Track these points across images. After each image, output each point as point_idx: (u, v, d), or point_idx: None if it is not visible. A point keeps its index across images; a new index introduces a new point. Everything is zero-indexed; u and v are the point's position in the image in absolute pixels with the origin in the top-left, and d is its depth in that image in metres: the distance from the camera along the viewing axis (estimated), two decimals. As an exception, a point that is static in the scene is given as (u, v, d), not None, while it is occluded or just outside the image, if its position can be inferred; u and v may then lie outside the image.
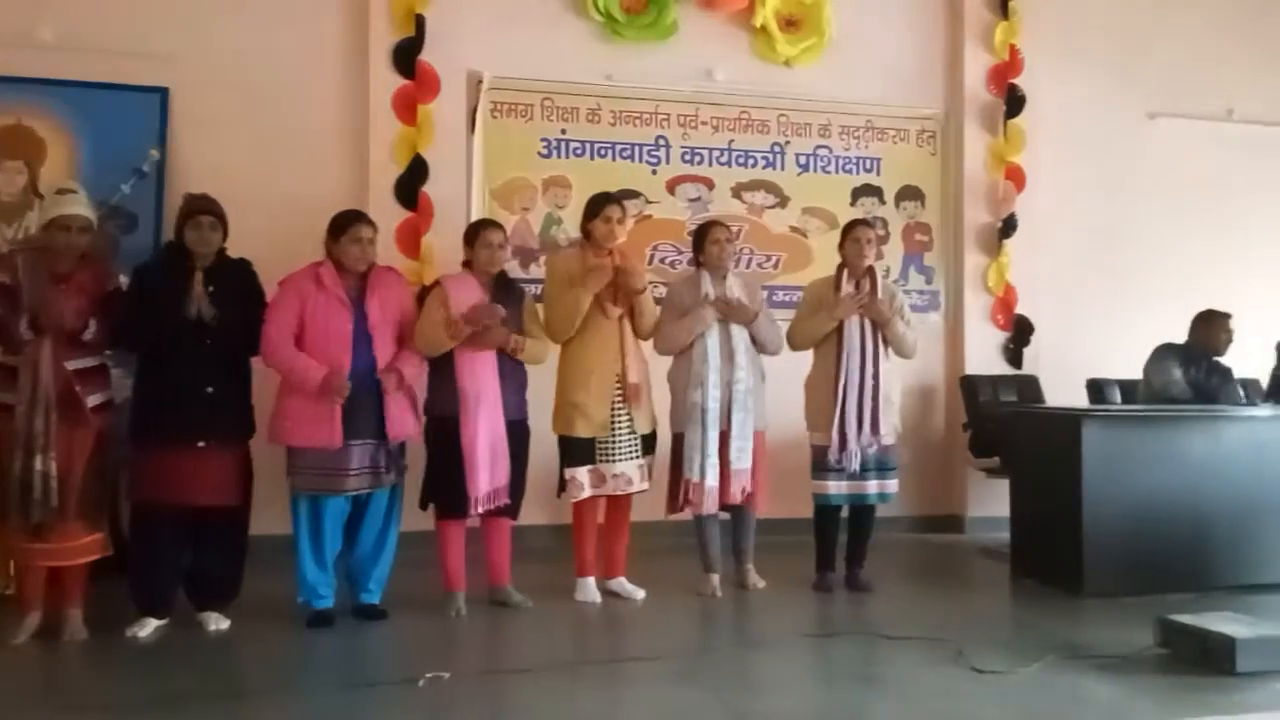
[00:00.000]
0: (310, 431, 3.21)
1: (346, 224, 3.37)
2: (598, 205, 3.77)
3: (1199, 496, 3.97)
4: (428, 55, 4.77)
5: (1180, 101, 5.98)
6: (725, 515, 3.90)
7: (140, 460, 3.18)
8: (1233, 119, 6.05)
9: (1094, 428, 3.91)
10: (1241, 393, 4.59)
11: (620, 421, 3.68)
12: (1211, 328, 4.61)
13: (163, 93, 4.54)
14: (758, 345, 3.90)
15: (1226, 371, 4.67)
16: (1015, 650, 3.03)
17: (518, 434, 3.56)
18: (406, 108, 4.75)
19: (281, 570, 3.47)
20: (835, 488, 3.86)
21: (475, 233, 3.65)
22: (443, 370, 3.49)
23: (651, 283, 4.66)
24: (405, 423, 3.38)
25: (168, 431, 3.11)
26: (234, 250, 3.40)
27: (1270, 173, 6.12)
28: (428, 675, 2.71)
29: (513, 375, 3.56)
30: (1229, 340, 4.64)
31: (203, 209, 3.25)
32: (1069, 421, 3.96)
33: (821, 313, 3.92)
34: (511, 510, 3.57)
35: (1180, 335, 4.77)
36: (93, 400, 3.11)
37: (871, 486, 3.90)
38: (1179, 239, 5.91)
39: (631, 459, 3.69)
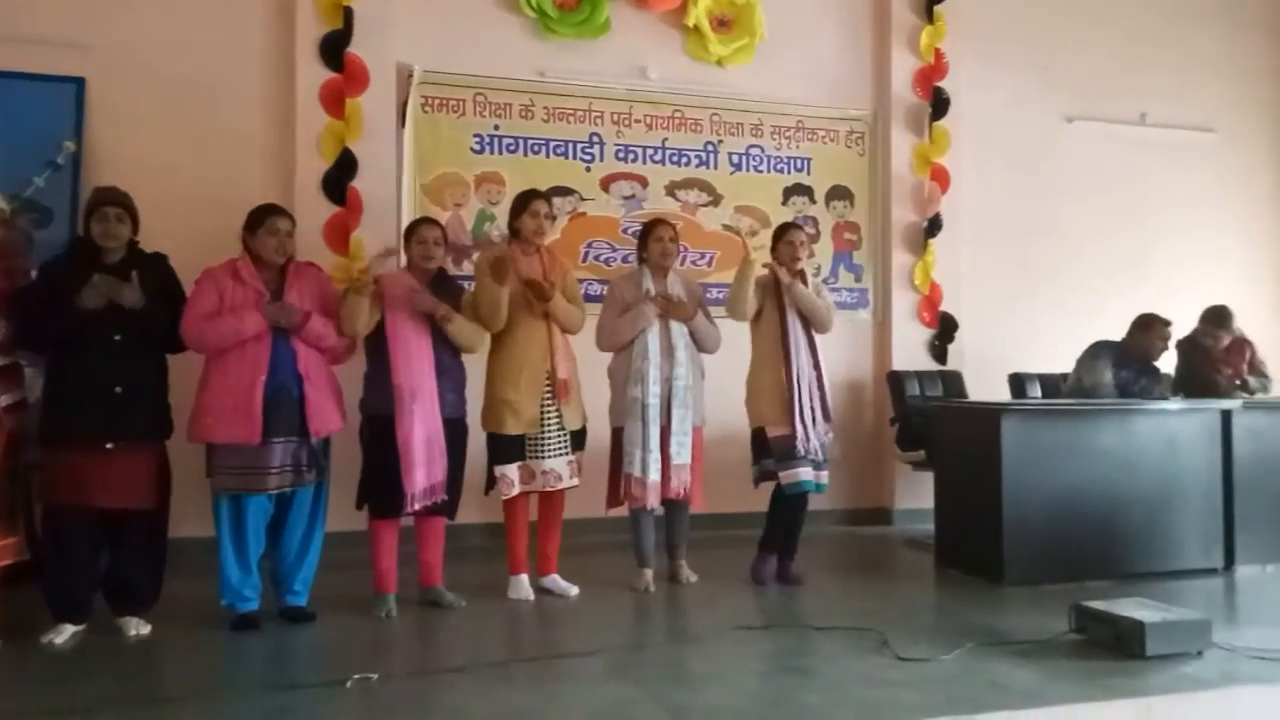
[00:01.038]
0: (230, 427, 3.13)
1: (263, 216, 3.31)
2: (525, 201, 3.76)
3: (1113, 487, 4.12)
4: (356, 48, 4.69)
5: (1096, 106, 6.19)
6: (660, 511, 3.93)
7: (50, 462, 3.08)
8: (1145, 123, 6.29)
9: (1013, 421, 4.03)
10: (1163, 393, 4.75)
11: (550, 418, 3.67)
12: (1149, 334, 4.74)
13: (79, 83, 4.38)
14: (697, 343, 3.93)
15: (1155, 372, 4.82)
16: (938, 638, 3.11)
17: (455, 432, 3.53)
18: (334, 101, 4.66)
19: (204, 573, 3.38)
20: (805, 474, 3.87)
21: (412, 230, 3.62)
22: (379, 367, 3.45)
23: (584, 280, 4.68)
24: (328, 419, 3.31)
25: (75, 433, 3.01)
26: (156, 245, 3.32)
27: (1181, 174, 6.38)
28: (355, 677, 2.67)
29: (450, 372, 3.53)
30: (1164, 348, 4.79)
31: (108, 200, 3.15)
32: (989, 415, 4.08)
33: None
34: (448, 509, 3.54)
35: (1097, 331, 4.94)
36: (3, 401, 3.01)
37: (818, 475, 3.95)
38: (1096, 237, 6.13)
39: (561, 455, 3.69)
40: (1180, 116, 6.37)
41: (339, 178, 4.63)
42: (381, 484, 3.40)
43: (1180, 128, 6.36)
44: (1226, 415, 4.36)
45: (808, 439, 3.85)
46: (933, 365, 5.64)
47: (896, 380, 5.42)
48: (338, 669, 2.76)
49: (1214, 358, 4.97)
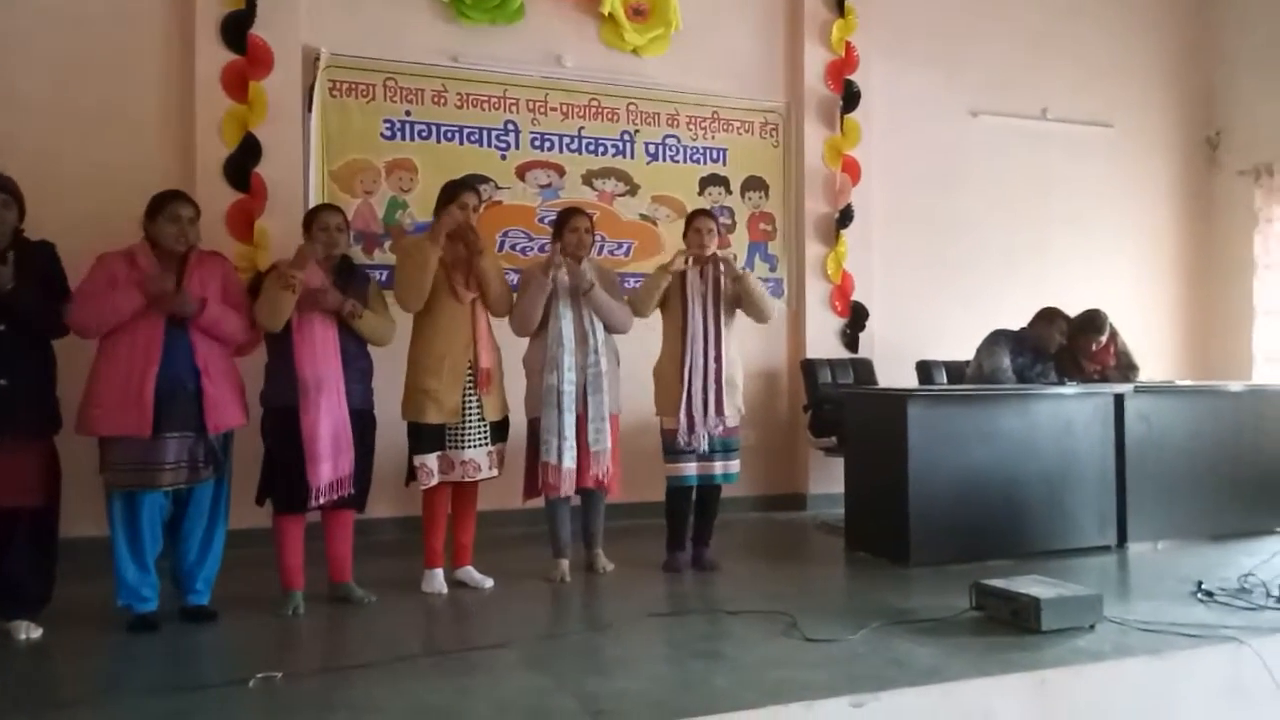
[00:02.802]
0: (119, 420, 3.01)
1: (163, 203, 3.20)
2: (453, 192, 3.71)
3: (1014, 470, 4.27)
4: (260, 29, 4.55)
5: (1000, 100, 6.39)
6: (576, 500, 3.93)
7: (-69, 460, 2.91)
8: (1047, 117, 6.52)
9: (918, 407, 4.14)
10: (1057, 379, 4.92)
11: (471, 408, 3.64)
12: (1049, 327, 4.90)
13: (-41, 60, 4.16)
14: (606, 324, 3.91)
15: (1049, 360, 4.98)
16: (845, 618, 3.18)
17: (363, 423, 3.46)
18: (237, 84, 4.51)
19: (101, 574, 3.24)
20: (688, 469, 3.96)
21: (312, 216, 3.53)
22: (281, 358, 3.36)
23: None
24: (227, 413, 3.20)
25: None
26: (46, 233, 3.18)
27: (1080, 166, 6.63)
28: (259, 676, 2.60)
29: (356, 362, 3.46)
30: (1061, 342, 4.95)
31: None
32: (896, 401, 4.18)
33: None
34: (356, 502, 3.47)
35: (1001, 319, 5.10)
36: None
37: (717, 467, 4.02)
38: (1000, 228, 6.34)
39: (481, 446, 3.66)
40: (1079, 111, 6.61)
41: (242, 163, 4.49)
42: (285, 478, 3.32)
43: (1079, 122, 6.61)
44: (1119, 399, 4.56)
45: (690, 430, 3.88)
46: (844, 353, 5.76)
47: (809, 368, 5.52)
48: (240, 668, 2.68)
49: (1084, 355, 5.15)
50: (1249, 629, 3.03)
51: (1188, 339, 6.98)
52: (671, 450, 3.95)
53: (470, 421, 3.64)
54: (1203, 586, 3.56)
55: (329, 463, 3.30)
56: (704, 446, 3.93)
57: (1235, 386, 5.11)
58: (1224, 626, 3.06)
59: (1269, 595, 3.45)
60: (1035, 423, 4.36)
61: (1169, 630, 3.03)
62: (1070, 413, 4.44)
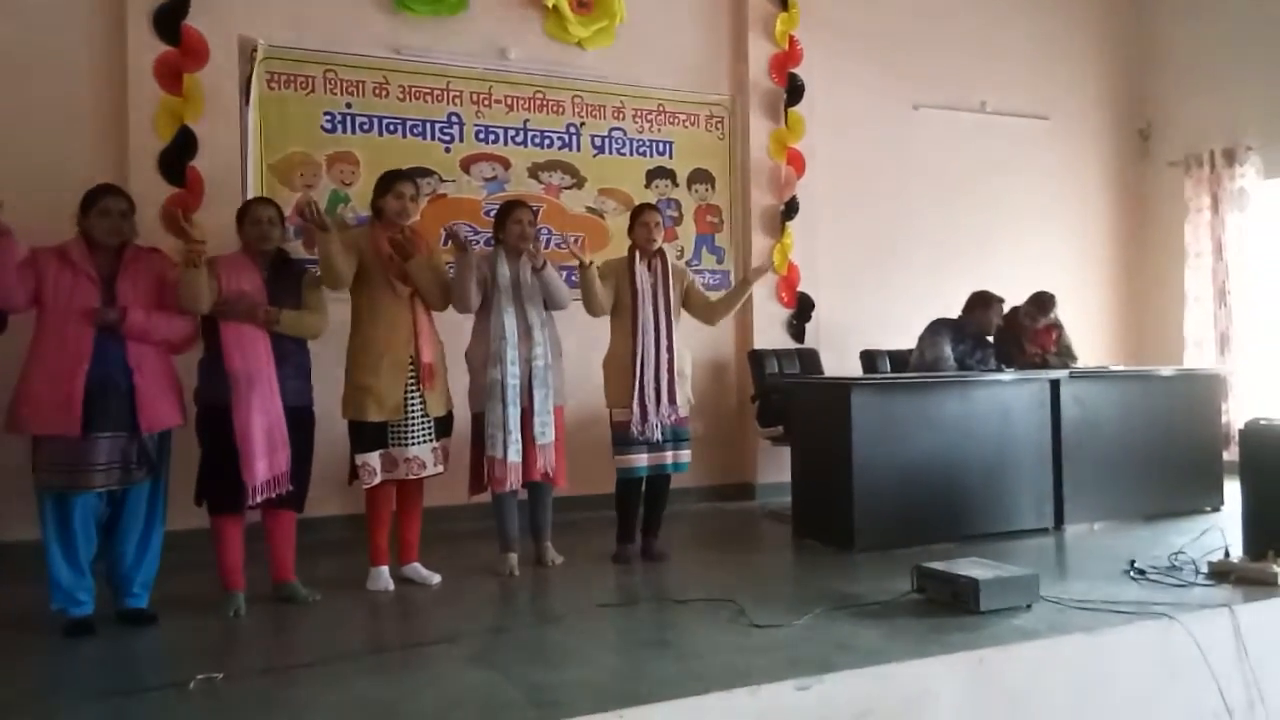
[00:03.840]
0: (48, 419, 2.94)
1: (95, 197, 3.14)
2: (389, 182, 3.68)
3: (955, 455, 4.36)
4: (194, 20, 4.45)
5: (941, 94, 6.50)
6: (524, 494, 3.92)
7: None
8: (986, 110, 6.64)
9: (862, 395, 4.20)
10: (996, 365, 5.05)
11: (414, 404, 3.61)
12: (986, 310, 5.03)
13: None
14: (549, 301, 3.89)
15: (989, 346, 5.14)
16: (791, 604, 3.22)
17: (300, 421, 3.41)
18: (171, 76, 4.41)
19: (35, 577, 3.16)
20: (639, 459, 3.97)
21: (244, 211, 3.47)
22: (212, 354, 3.30)
23: (446, 264, 4.59)
24: (161, 413, 3.14)
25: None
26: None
27: (1018, 159, 6.77)
28: (199, 677, 2.56)
29: (293, 358, 3.40)
30: (999, 323, 5.10)
31: None
32: (840, 390, 4.24)
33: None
34: (295, 502, 3.42)
35: (943, 308, 5.20)
36: None
37: (668, 456, 4.03)
38: (942, 219, 6.45)
39: (425, 442, 3.63)
40: (1017, 104, 6.75)
41: (177, 157, 4.39)
42: (220, 477, 3.26)
43: (1017, 115, 6.75)
44: (1055, 385, 4.67)
45: (644, 421, 3.90)
46: (791, 344, 5.82)
47: (757, 359, 5.56)
48: (180, 671, 2.63)
49: (1026, 337, 5.32)
50: (1178, 605, 3.13)
51: (1122, 325, 7.18)
52: (622, 441, 3.96)
53: (413, 418, 3.60)
54: (1135, 565, 3.67)
55: (263, 460, 3.24)
56: (657, 436, 3.95)
57: (1166, 371, 5.26)
58: (1155, 603, 3.15)
59: (1198, 572, 3.57)
60: (975, 409, 4.45)
61: (1102, 608, 3.12)
62: (1009, 399, 4.54)
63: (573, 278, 5.01)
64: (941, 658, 2.69)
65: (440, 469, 3.70)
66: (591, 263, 3.97)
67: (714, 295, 4.43)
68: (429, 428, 3.64)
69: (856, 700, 2.53)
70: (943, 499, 4.31)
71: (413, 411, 3.60)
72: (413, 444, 3.60)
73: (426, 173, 5.00)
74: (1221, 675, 2.99)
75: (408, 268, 3.59)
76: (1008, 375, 4.66)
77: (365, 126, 4.91)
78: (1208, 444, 5.14)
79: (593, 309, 4.02)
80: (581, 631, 3.05)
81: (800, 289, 5.90)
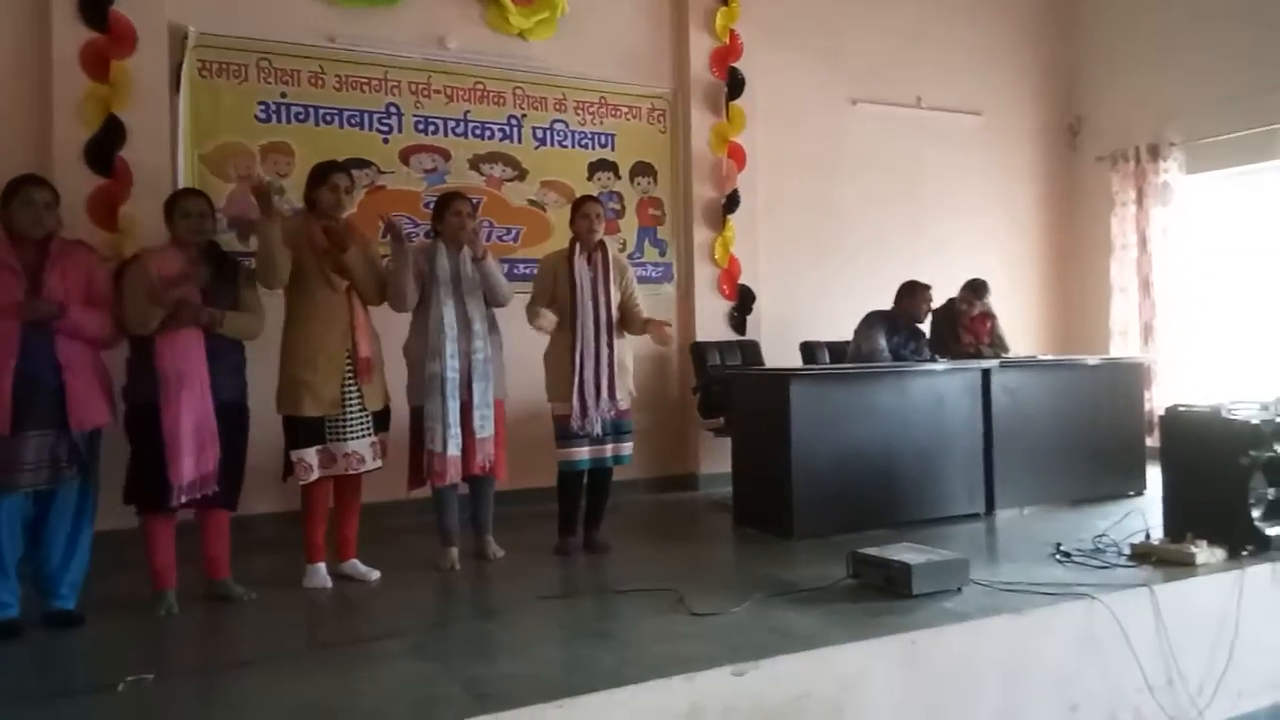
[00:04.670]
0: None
1: (17, 187, 3.04)
2: (323, 173, 3.62)
3: (890, 443, 4.44)
4: (122, 6, 4.31)
5: (877, 89, 6.59)
6: (464, 488, 3.90)
7: None
8: (921, 105, 6.76)
9: (801, 386, 4.26)
10: (930, 355, 5.16)
11: (351, 398, 3.56)
12: (914, 299, 5.16)
13: None
14: (491, 296, 3.88)
15: (921, 336, 5.25)
16: (730, 592, 3.26)
17: (233, 417, 3.34)
18: (97, 63, 4.27)
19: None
20: (580, 453, 3.98)
21: (173, 203, 3.38)
22: (142, 352, 3.21)
23: (384, 257, 4.54)
24: (91, 410, 3.06)
25: None
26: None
27: (952, 153, 6.91)
28: (129, 679, 2.50)
29: (226, 355, 3.33)
30: (929, 309, 5.23)
31: None
32: (779, 381, 4.29)
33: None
34: (227, 500, 3.36)
35: (879, 299, 5.29)
36: None
37: (609, 450, 4.04)
38: (878, 212, 6.56)
39: (363, 437, 3.59)
40: (951, 100, 6.88)
41: (104, 147, 4.26)
42: (149, 476, 3.18)
43: (950, 110, 6.88)
44: (986, 374, 4.78)
45: (584, 415, 3.91)
46: (732, 335, 5.87)
47: (699, 351, 5.60)
48: (110, 672, 2.56)
49: (962, 324, 5.46)
50: (1101, 586, 3.23)
51: (1051, 316, 7.38)
52: (564, 435, 3.96)
53: (351, 413, 3.56)
54: (1061, 548, 3.79)
55: (190, 459, 3.16)
56: (597, 430, 3.95)
57: (1092, 360, 5.41)
58: (1079, 584, 3.26)
59: (1120, 554, 3.69)
60: (909, 399, 4.54)
61: (1029, 590, 3.21)
62: (941, 388, 4.64)
63: (519, 269, 5.05)
64: (875, 640, 2.75)
65: (379, 464, 3.66)
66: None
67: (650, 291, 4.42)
68: (367, 422, 3.60)
69: (793, 683, 2.57)
70: (879, 486, 4.39)
71: (350, 406, 3.56)
72: (351, 439, 3.55)
73: (364, 164, 4.93)
74: (1142, 653, 3.10)
75: (343, 260, 3.54)
76: (940, 365, 4.76)
77: (301, 116, 4.81)
78: (1131, 431, 5.31)
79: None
80: (522, 624, 3.05)
81: (741, 281, 5.95)
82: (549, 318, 3.94)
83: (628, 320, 4.12)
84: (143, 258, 3.27)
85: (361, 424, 3.59)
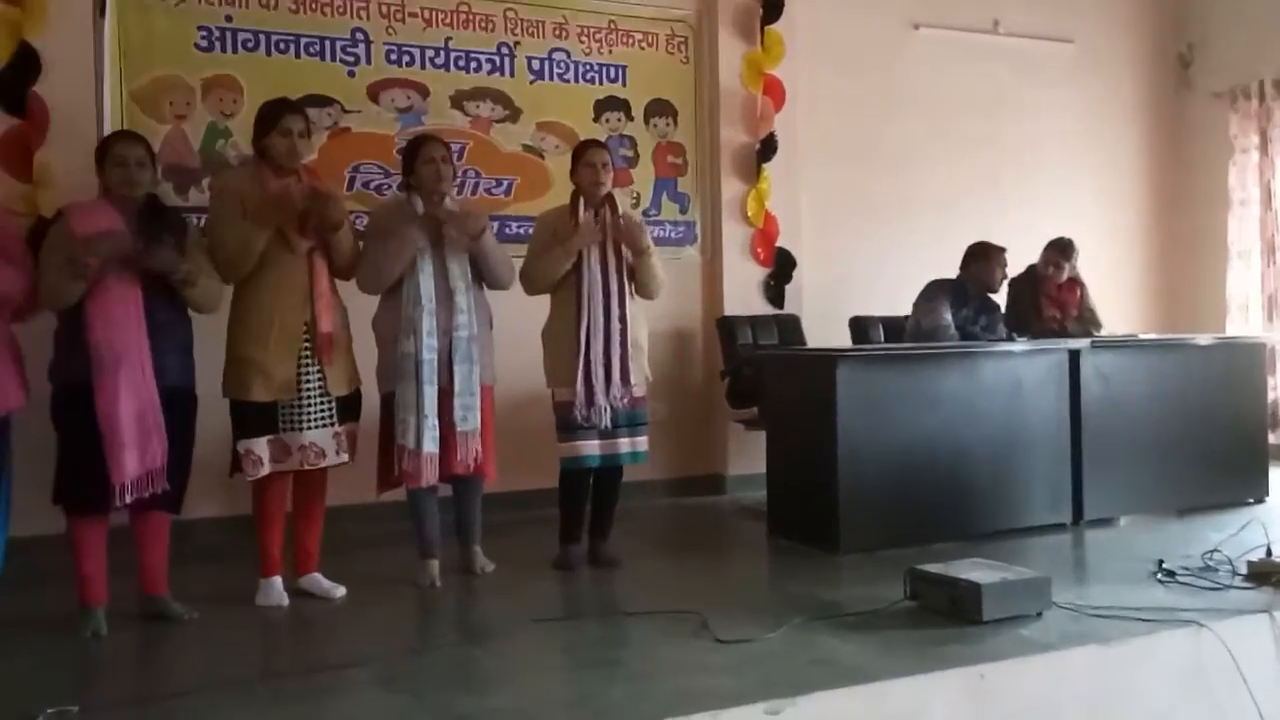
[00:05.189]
0: None
1: None
2: (272, 115, 3.62)
3: (957, 439, 4.43)
4: (33, -87, 4.34)
5: (944, 11, 6.54)
6: (447, 490, 3.93)
7: None
8: (999, 31, 6.71)
9: (849, 369, 4.25)
10: (1006, 333, 5.14)
11: (309, 381, 3.58)
12: (987, 263, 5.12)
13: None
14: (487, 278, 3.90)
15: (996, 309, 5.23)
16: (763, 616, 3.27)
17: (180, 404, 3.37)
18: (5, -18, 4.31)
19: None
20: (588, 447, 3.98)
21: (105, 149, 3.40)
22: (72, 324, 3.24)
23: (352, 213, 4.56)
24: (3, 393, 3.08)
25: None
26: None
27: (1035, 89, 6.85)
28: (49, 711, 2.54)
29: (169, 329, 3.35)
30: (1004, 277, 5.19)
31: None
32: (823, 364, 4.28)
33: (557, 247, 3.96)
34: (171, 501, 3.39)
35: (946, 267, 5.27)
36: None
37: (623, 445, 4.04)
38: (946, 160, 6.53)
39: (325, 426, 3.61)
40: (1035, 25, 6.83)
41: (15, 81, 4.29)
42: (82, 472, 3.21)
43: (1035, 37, 6.82)
44: (1075, 356, 4.76)
45: (590, 403, 3.92)
46: (769, 309, 5.87)
47: (727, 327, 5.61)
48: (25, 702, 2.60)
49: (1045, 294, 5.42)
50: (1211, 611, 3.22)
51: (1154, 285, 7.34)
52: (567, 427, 3.96)
53: (309, 397, 3.57)
54: (1163, 566, 3.78)
55: (134, 452, 3.19)
56: (606, 422, 3.96)
57: (1204, 339, 5.38)
58: (1183, 609, 3.25)
59: (1235, 574, 3.67)
60: (981, 385, 4.52)
61: (1123, 615, 3.20)
62: (1020, 372, 4.62)
63: (511, 229, 5.04)
64: (937, 674, 2.75)
65: (345, 458, 3.68)
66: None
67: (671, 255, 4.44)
68: (329, 409, 3.61)
69: (837, 724, 2.59)
70: (943, 490, 4.39)
71: (308, 389, 3.57)
72: (309, 428, 3.57)
73: (325, 101, 4.95)
74: (1259, 689, 3.08)
75: (330, 241, 3.56)
76: (1019, 345, 4.74)
77: (249, 44, 4.83)
78: (1251, 425, 5.28)
79: (536, 283, 4.03)
80: (515, 651, 3.08)
81: (779, 244, 5.93)
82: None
83: (638, 283, 4.12)
84: (68, 213, 3.27)
85: (322, 411, 3.61)
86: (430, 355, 3.72)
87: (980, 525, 4.46)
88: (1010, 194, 6.67)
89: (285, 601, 3.60)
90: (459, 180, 4.94)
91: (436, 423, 3.73)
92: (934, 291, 5.13)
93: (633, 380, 4.02)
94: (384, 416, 3.81)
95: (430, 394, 3.71)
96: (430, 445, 3.71)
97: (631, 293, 4.08)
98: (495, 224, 4.45)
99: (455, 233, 3.77)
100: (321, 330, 3.60)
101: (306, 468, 3.61)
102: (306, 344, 3.58)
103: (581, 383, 3.93)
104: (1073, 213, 6.76)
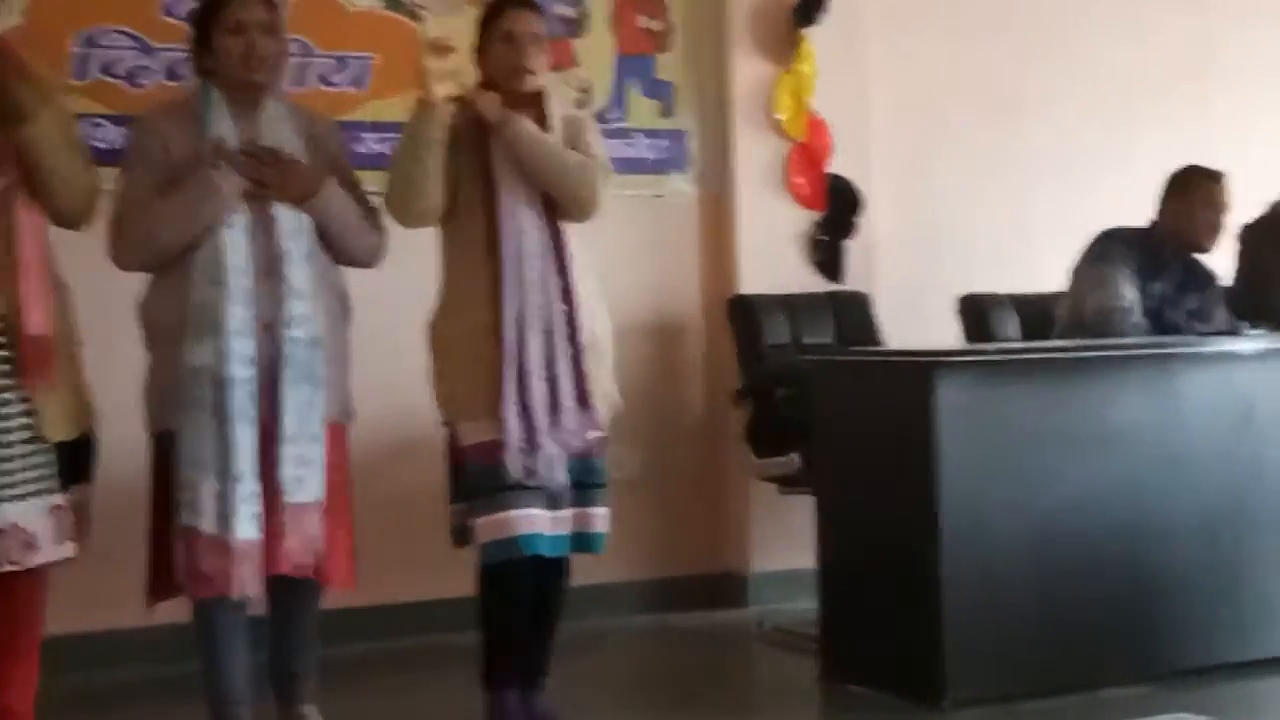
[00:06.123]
0: None
1: None
2: None
3: (1146, 508, 4.44)
4: None
5: None
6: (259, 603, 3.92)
7: None
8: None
9: (960, 386, 4.24)
10: (1231, 321, 5.16)
11: (7, 417, 3.56)
12: (1190, 204, 5.13)
13: None
14: (331, 245, 3.93)
15: (1210, 282, 5.25)
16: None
17: None
18: None
19: None
20: (530, 520, 3.92)
21: None
22: None
23: (84, 118, 4.56)
24: None
25: None
26: None
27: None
28: None
29: None
30: (1218, 228, 5.18)
31: None
32: (914, 377, 4.29)
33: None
34: None
35: (1112, 209, 5.30)
36: None
37: (569, 520, 4.03)
38: (1129, 28, 6.60)
39: (31, 496, 3.58)
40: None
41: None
42: None
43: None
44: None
45: (531, 445, 3.92)
46: (818, 283, 5.90)
47: (747, 315, 5.62)
48: None
49: None
50: None
51: None
52: (488, 486, 3.95)
53: (4, 447, 3.56)
54: None
55: None
56: (561, 475, 3.95)
57: None
58: None
59: None
60: (1187, 413, 4.53)
61: None
62: (1250, 389, 4.64)
63: (367, 144, 5.00)
64: None
65: (68, 550, 3.65)
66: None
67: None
68: (39, 467, 3.60)
69: None
70: (1120, 599, 4.40)
71: (4, 433, 3.56)
72: (2, 500, 3.55)
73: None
74: None
75: (25, 136, 3.53)
76: (1252, 342, 4.77)
77: None
78: None
79: (408, 201, 3.98)
80: None
81: (832, 170, 5.96)
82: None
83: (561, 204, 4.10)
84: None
85: (25, 471, 3.59)
86: (243, 371, 3.70)
87: (1181, 657, 4.49)
88: (1222, 106, 6.79)
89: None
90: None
91: (257, 488, 3.73)
92: (1107, 250, 5.12)
93: (593, 404, 4.03)
94: (157, 475, 3.80)
95: (244, 438, 3.69)
96: (246, 529, 3.69)
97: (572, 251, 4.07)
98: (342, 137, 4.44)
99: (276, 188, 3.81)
100: (30, 332, 3.57)
101: (7, 569, 3.58)
102: (3, 354, 3.56)
103: (515, 412, 3.91)
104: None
